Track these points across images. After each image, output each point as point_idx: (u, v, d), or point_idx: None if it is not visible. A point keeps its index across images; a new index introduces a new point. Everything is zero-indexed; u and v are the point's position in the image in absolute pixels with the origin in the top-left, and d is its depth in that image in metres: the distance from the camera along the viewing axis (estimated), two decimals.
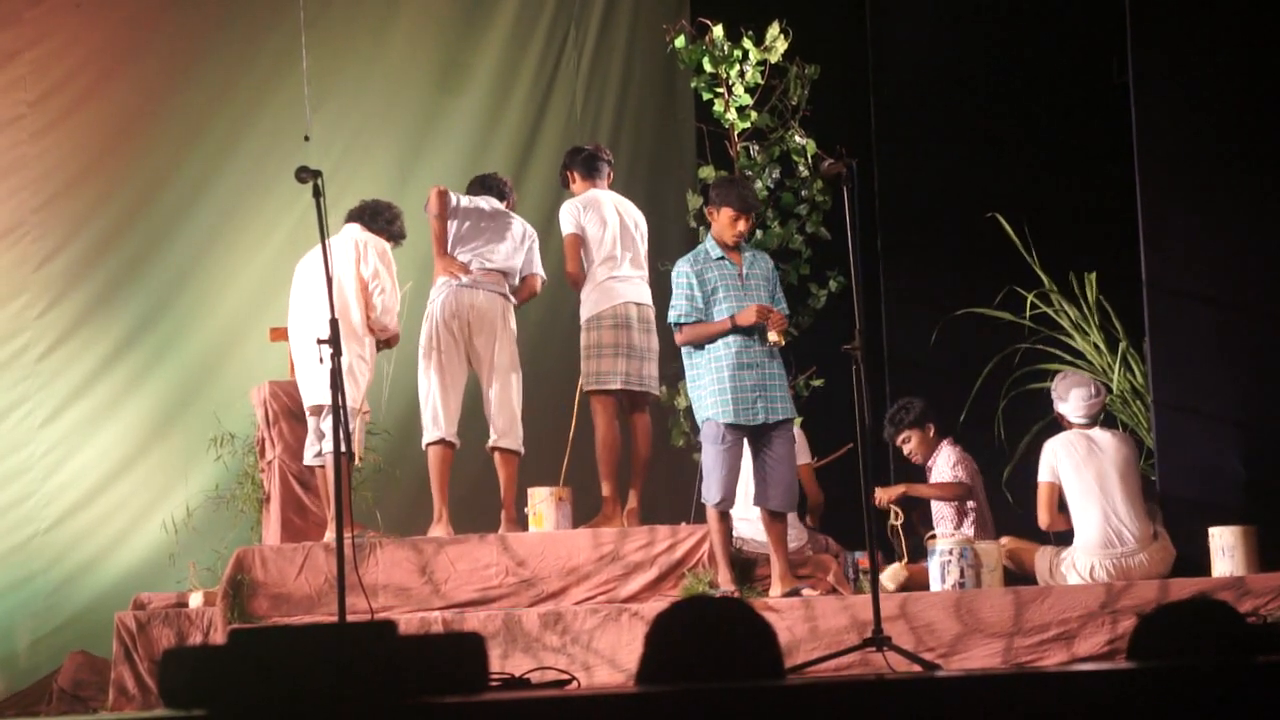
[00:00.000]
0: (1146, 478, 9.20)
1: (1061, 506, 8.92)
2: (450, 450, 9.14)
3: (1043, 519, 8.97)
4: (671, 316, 8.70)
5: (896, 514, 9.33)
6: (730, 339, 8.56)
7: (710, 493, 8.57)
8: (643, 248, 9.35)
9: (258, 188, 10.68)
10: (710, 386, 8.58)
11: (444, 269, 9.20)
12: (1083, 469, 8.82)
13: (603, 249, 9.18)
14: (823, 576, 8.94)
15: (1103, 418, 9.18)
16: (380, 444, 9.94)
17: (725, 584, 8.56)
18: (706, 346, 8.61)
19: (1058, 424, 9.15)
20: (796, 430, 9.73)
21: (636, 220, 9.39)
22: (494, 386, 9.13)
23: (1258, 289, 9.20)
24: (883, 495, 9.51)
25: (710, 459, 8.58)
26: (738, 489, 9.50)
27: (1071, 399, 9.01)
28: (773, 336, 8.54)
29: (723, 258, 8.67)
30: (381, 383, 9.71)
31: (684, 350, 8.78)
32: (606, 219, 9.21)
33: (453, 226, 9.26)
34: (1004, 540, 9.10)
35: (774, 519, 8.61)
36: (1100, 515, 8.76)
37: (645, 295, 9.28)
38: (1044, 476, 8.95)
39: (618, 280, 9.17)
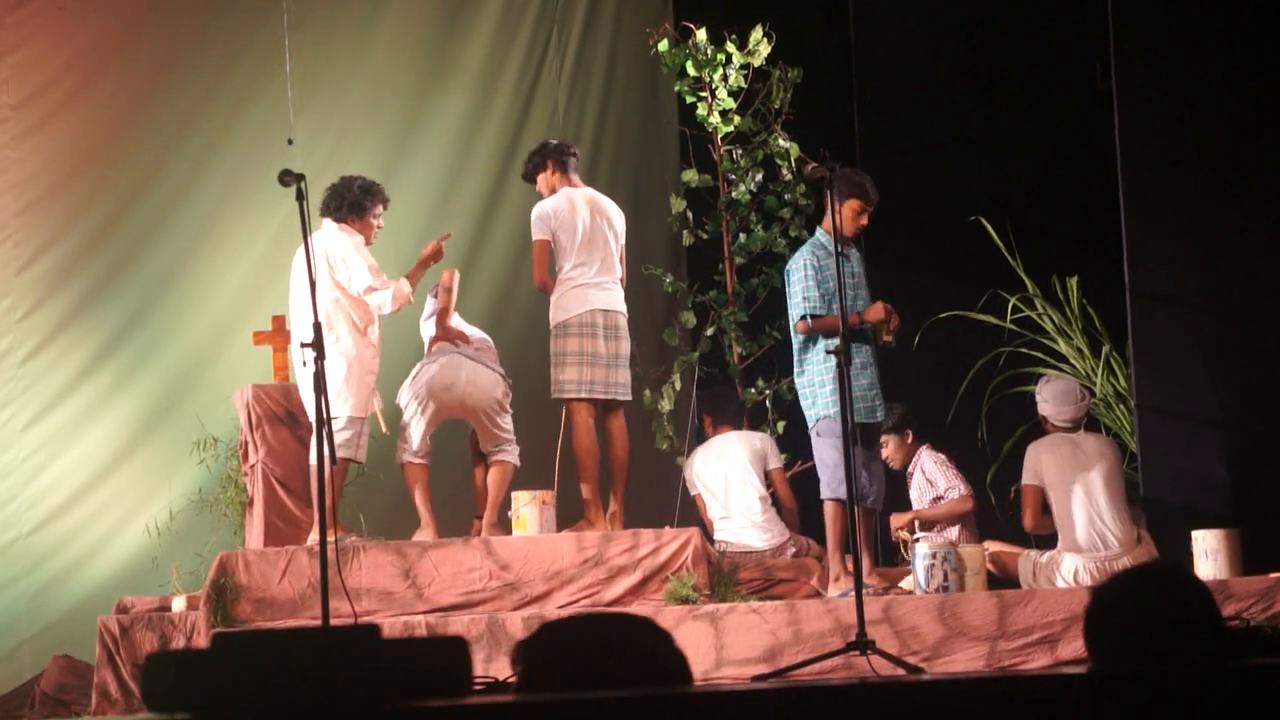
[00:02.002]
0: (1130, 481, 9.21)
1: (1045, 509, 8.93)
2: (424, 467, 9.22)
3: (1027, 521, 8.98)
4: (800, 309, 8.68)
5: (908, 543, 9.31)
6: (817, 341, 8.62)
7: (838, 488, 8.49)
8: (616, 247, 9.26)
9: (242, 191, 10.66)
10: (830, 385, 8.54)
11: (444, 335, 9.28)
12: (1067, 472, 8.83)
13: (572, 254, 9.13)
14: (806, 580, 8.95)
15: (1086, 421, 9.20)
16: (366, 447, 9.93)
17: (837, 571, 8.66)
18: (823, 346, 8.59)
19: (1041, 427, 9.16)
20: (760, 436, 9.77)
21: (611, 218, 9.28)
22: (488, 431, 9.25)
23: (1239, 294, 9.23)
24: (895, 524, 9.55)
25: (835, 454, 8.47)
26: (721, 488, 9.53)
27: (1057, 402, 9.02)
28: (887, 338, 8.60)
29: (840, 252, 8.68)
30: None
31: (798, 348, 8.77)
32: (578, 222, 9.15)
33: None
34: (987, 544, 9.11)
35: (867, 515, 8.69)
36: (1085, 519, 8.76)
37: (614, 301, 9.21)
38: (1028, 479, 8.96)
39: (586, 286, 9.12)
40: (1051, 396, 9.07)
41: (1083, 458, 8.85)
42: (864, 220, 8.77)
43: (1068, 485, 8.82)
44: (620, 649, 3.25)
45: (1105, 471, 8.83)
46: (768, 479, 9.65)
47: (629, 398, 9.38)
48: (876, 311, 8.63)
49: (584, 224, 9.14)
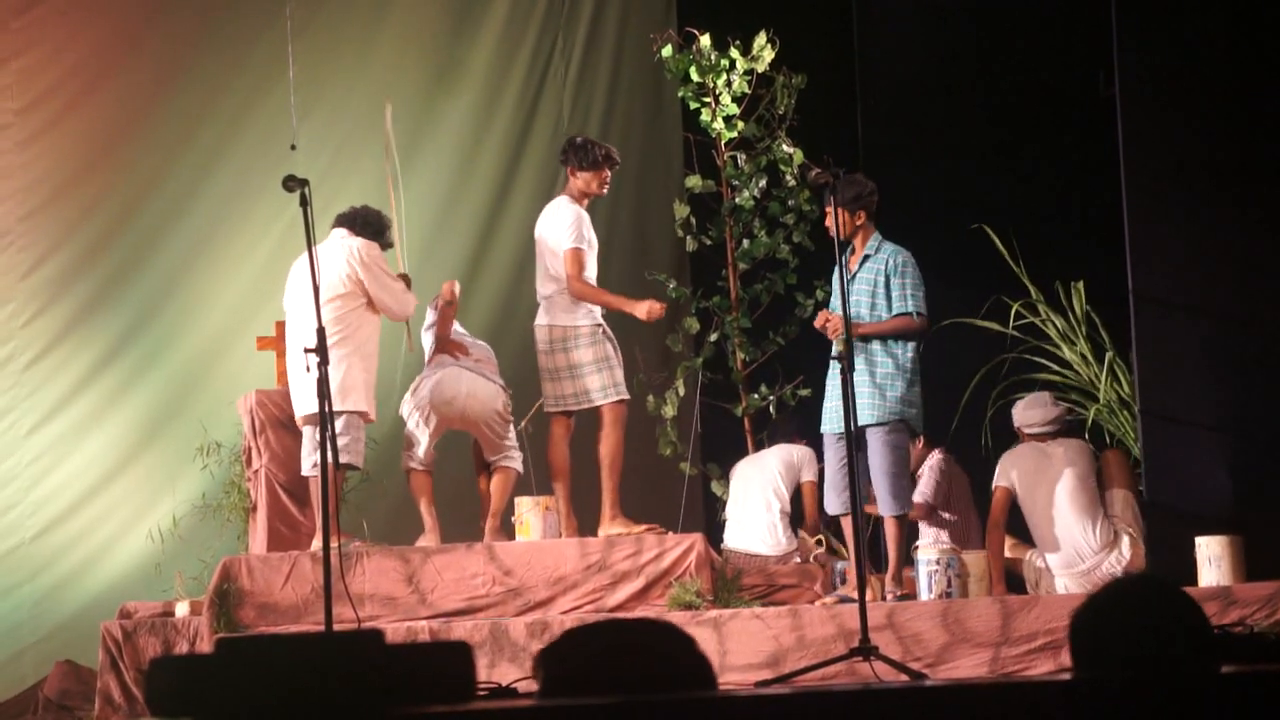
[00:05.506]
0: (1126, 487, 9.19)
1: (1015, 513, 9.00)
2: (428, 474, 9.23)
3: (991, 519, 9.01)
4: None
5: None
6: (831, 348, 8.64)
7: (830, 502, 8.80)
8: (540, 262, 9.18)
9: (245, 197, 10.67)
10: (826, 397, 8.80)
11: (444, 347, 9.28)
12: (1035, 489, 8.91)
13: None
14: (809, 585, 8.94)
15: (1062, 430, 9.22)
16: (367, 453, 9.92)
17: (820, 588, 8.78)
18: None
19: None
20: (800, 449, 9.69)
21: (542, 232, 9.25)
22: (490, 441, 9.26)
23: (1244, 299, 9.21)
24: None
25: (827, 467, 8.83)
26: (740, 491, 9.54)
27: (1025, 409, 9.12)
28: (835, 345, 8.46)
29: (844, 260, 8.68)
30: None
31: None
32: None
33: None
34: None
35: (885, 520, 8.76)
36: (1058, 537, 8.83)
37: (539, 316, 9.17)
38: (998, 480, 9.01)
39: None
40: (1022, 407, 9.17)
41: (1049, 469, 8.92)
42: (829, 224, 8.59)
43: (1034, 499, 8.91)
44: (642, 654, 3.25)
45: (1070, 483, 8.86)
46: (799, 491, 9.69)
47: (575, 407, 9.15)
48: (818, 320, 8.63)
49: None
